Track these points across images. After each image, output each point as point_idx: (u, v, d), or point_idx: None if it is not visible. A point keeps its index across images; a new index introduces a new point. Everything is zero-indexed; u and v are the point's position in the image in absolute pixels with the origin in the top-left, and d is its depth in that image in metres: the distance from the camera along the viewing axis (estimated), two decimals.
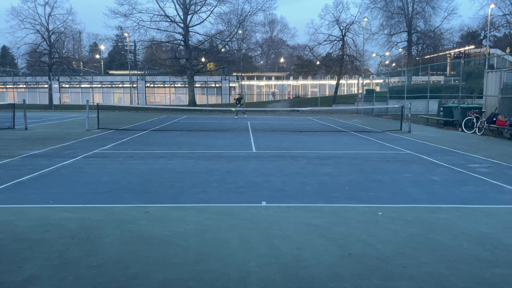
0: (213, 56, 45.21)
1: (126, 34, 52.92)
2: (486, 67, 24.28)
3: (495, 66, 25.71)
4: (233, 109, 29.53)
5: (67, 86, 53.86)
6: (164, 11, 40.89)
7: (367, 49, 69.77)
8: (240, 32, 49.57)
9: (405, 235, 4.85)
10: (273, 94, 62.18)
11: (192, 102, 42.44)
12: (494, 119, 16.07)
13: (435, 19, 49.15)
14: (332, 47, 45.39)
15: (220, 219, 5.41)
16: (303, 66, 53.73)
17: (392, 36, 49.49)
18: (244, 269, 3.91)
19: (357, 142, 14.05)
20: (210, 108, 33.56)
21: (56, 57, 46.66)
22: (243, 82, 59.86)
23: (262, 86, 64.74)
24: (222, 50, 45.79)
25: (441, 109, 21.99)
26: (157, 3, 40.29)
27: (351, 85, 66.39)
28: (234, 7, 45.31)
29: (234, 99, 30.34)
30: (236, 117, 28.67)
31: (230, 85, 54.59)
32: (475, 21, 68.37)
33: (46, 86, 50.82)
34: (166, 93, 55.62)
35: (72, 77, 50.40)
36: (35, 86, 54.22)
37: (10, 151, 11.39)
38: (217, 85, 54.58)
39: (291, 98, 56.57)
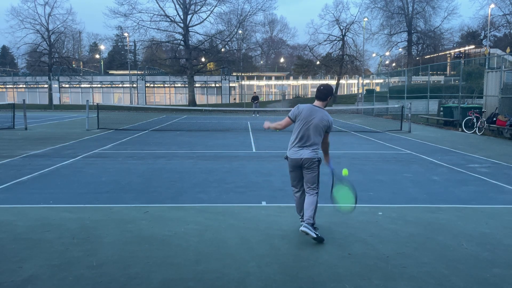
0: (213, 56, 45.21)
1: (126, 34, 52.92)
2: (486, 67, 24.27)
3: (495, 66, 25.71)
4: (253, 114, 32.09)
5: (67, 86, 53.87)
6: (164, 11, 40.94)
7: (367, 49, 69.83)
8: (240, 32, 49.58)
9: (405, 235, 4.85)
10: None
11: (192, 102, 42.44)
12: (494, 119, 16.06)
13: (435, 19, 49.23)
14: (332, 47, 45.42)
15: (220, 219, 5.41)
16: (303, 66, 53.69)
17: (392, 36, 49.53)
18: (244, 269, 3.91)
19: (357, 142, 14.05)
20: (210, 108, 33.58)
21: (56, 57, 46.69)
22: (243, 82, 59.86)
23: (262, 86, 64.76)
24: (222, 50, 45.79)
25: (441, 109, 21.98)
26: (157, 3, 40.33)
27: (351, 85, 66.38)
28: (234, 7, 45.41)
29: (252, 98, 32.94)
30: (258, 115, 31.14)
31: (230, 85, 54.59)
32: (475, 21, 68.49)
33: (46, 86, 50.85)
34: (166, 93, 55.63)
35: (72, 77, 50.41)
36: (35, 86, 54.26)
37: (10, 151, 11.39)
38: (217, 85, 54.58)
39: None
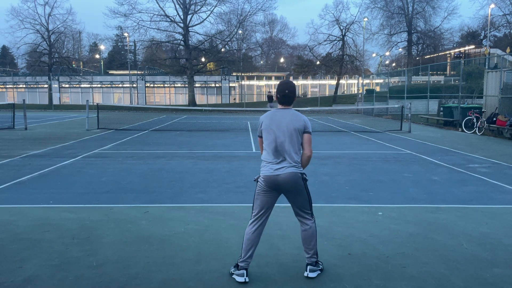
0: (213, 56, 45.22)
1: (126, 34, 52.97)
2: (486, 67, 24.26)
3: (495, 66, 25.70)
4: None
5: (67, 86, 53.87)
6: (164, 11, 40.97)
7: (367, 49, 69.97)
8: (240, 32, 49.59)
9: (405, 235, 4.85)
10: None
11: (192, 102, 42.45)
12: (494, 119, 16.06)
13: (435, 19, 49.16)
14: (332, 47, 45.42)
15: (220, 219, 5.41)
16: (303, 66, 53.72)
17: (392, 36, 49.46)
18: None
19: (357, 142, 14.05)
20: (210, 108, 33.57)
21: (56, 57, 46.71)
22: (243, 82, 59.84)
23: (262, 86, 64.78)
24: (222, 50, 45.79)
25: (441, 109, 21.98)
26: (157, 3, 40.35)
27: (351, 85, 66.40)
28: (234, 7, 45.45)
29: (268, 96, 32.03)
30: None
31: (230, 85, 54.59)
32: (475, 21, 68.61)
33: (46, 86, 50.86)
34: (166, 93, 55.63)
35: (72, 77, 50.42)
36: (35, 86, 54.27)
37: (10, 151, 11.39)
38: (217, 85, 54.59)
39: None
